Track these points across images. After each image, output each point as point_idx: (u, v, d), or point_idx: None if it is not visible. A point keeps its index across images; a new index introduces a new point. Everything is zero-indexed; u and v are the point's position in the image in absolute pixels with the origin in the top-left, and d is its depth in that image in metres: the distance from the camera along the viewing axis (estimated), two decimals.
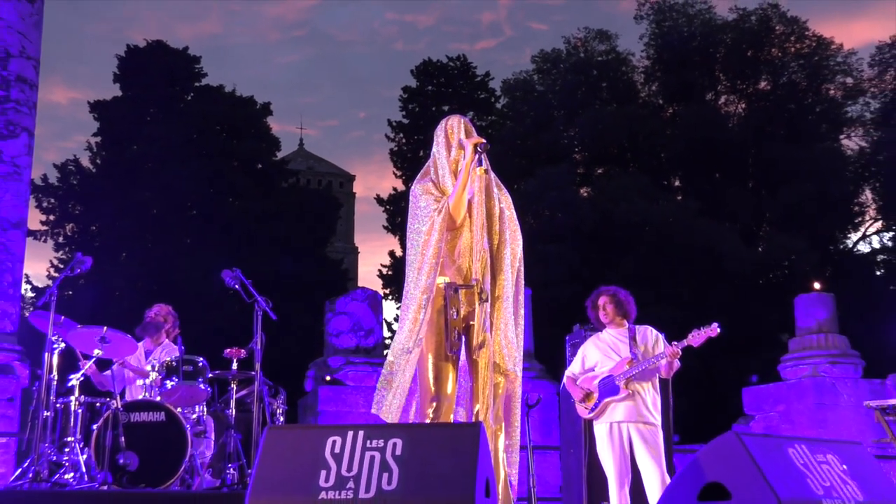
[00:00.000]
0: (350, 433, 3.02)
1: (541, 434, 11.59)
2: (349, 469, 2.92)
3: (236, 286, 7.29)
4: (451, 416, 4.16)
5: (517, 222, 4.44)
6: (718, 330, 6.46)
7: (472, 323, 4.13)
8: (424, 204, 4.30)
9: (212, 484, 7.08)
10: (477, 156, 4.19)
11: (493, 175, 4.40)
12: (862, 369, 13.70)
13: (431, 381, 4.04)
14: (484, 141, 4.21)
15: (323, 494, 2.89)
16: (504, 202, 4.42)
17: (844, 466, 3.44)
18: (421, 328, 4.06)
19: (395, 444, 2.96)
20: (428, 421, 4.01)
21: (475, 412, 4.11)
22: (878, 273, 30.52)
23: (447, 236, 4.21)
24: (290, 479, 2.93)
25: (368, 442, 2.98)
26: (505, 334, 4.18)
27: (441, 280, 4.14)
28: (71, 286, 26.13)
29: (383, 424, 3.18)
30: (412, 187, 4.43)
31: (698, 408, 19.00)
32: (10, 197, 11.61)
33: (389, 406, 4.02)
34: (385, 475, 2.90)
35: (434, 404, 4.00)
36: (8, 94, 11.79)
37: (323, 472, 2.92)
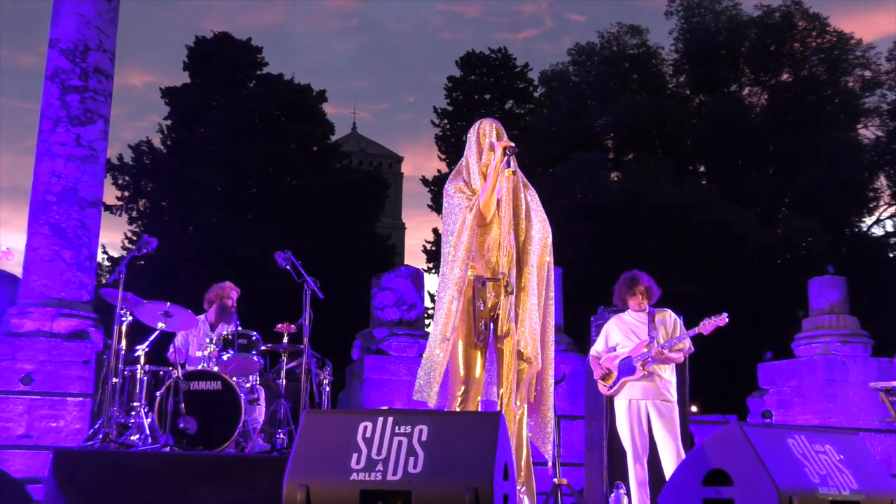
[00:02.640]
0: (380, 419, 3.04)
1: (569, 403, 11.58)
2: (378, 452, 2.94)
3: (287, 267, 7.33)
4: (479, 399, 4.18)
5: (544, 215, 4.41)
6: (727, 319, 6.45)
7: (498, 313, 4.13)
8: (457, 202, 4.30)
9: (263, 447, 7.15)
10: (506, 158, 4.18)
11: (520, 175, 4.38)
12: (871, 348, 13.52)
13: (462, 366, 4.05)
14: (513, 144, 4.20)
15: (354, 476, 2.91)
16: (531, 200, 4.40)
17: (841, 456, 3.40)
18: (454, 318, 4.07)
19: (421, 430, 2.97)
20: (458, 402, 4.02)
21: (500, 395, 4.11)
22: (890, 255, 30.11)
23: (477, 232, 4.20)
24: (324, 460, 2.96)
25: (397, 427, 3.00)
26: (529, 324, 4.17)
27: (470, 273, 4.15)
28: (142, 257, 26.43)
29: (411, 411, 3.20)
30: (445, 186, 4.43)
31: (715, 381, 18.86)
32: (87, 178, 11.76)
33: (430, 391, 4.04)
34: (412, 459, 2.91)
35: (463, 387, 4.01)
36: (86, 83, 11.92)
37: (355, 455, 2.95)
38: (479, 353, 4.13)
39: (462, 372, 4.01)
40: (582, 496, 7.93)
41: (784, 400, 13.28)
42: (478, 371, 4.12)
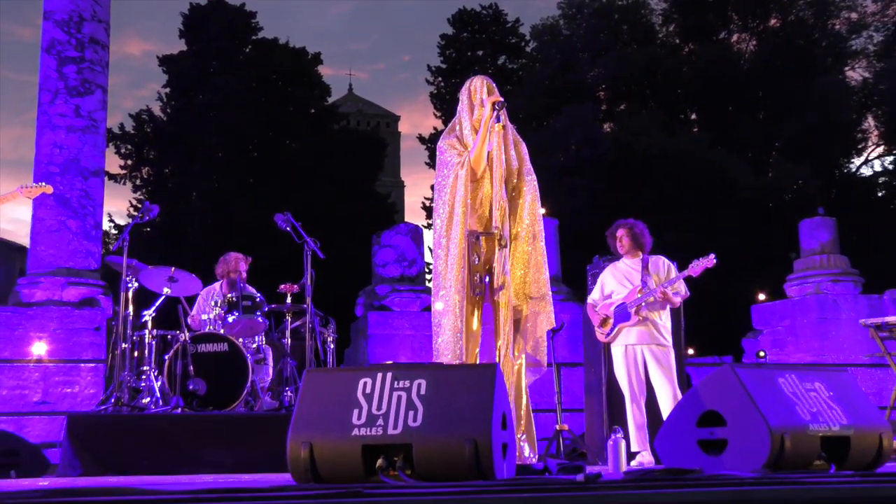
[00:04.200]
0: (379, 374, 3.03)
1: (569, 351, 11.61)
2: (379, 408, 2.94)
3: (287, 228, 7.31)
4: (477, 350, 4.18)
5: (532, 171, 4.38)
6: (715, 261, 6.46)
7: (493, 265, 4.12)
8: (448, 157, 4.28)
9: (271, 405, 7.19)
10: (495, 113, 4.14)
11: (511, 129, 4.34)
12: (861, 286, 13.54)
13: (459, 318, 4.03)
14: (501, 100, 4.15)
15: (356, 431, 2.91)
16: (521, 152, 4.37)
17: (831, 393, 3.41)
18: (450, 272, 4.06)
19: (419, 385, 2.97)
20: (458, 353, 4.02)
21: (497, 346, 4.12)
22: (879, 194, 30.08)
23: (470, 188, 4.18)
24: (326, 416, 2.96)
25: (396, 382, 2.99)
26: (524, 275, 4.16)
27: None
28: (147, 224, 26.45)
29: (409, 364, 3.19)
30: (439, 142, 4.40)
31: (711, 324, 18.94)
32: (88, 148, 11.71)
33: (445, 348, 4.04)
34: (411, 413, 2.91)
35: (461, 339, 4.00)
36: (83, 54, 11.81)
37: (356, 411, 2.94)
38: (475, 307, 4.12)
39: (460, 324, 4.01)
40: (583, 440, 7.98)
41: (778, 339, 13.33)
42: (475, 323, 4.12)
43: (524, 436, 4.07)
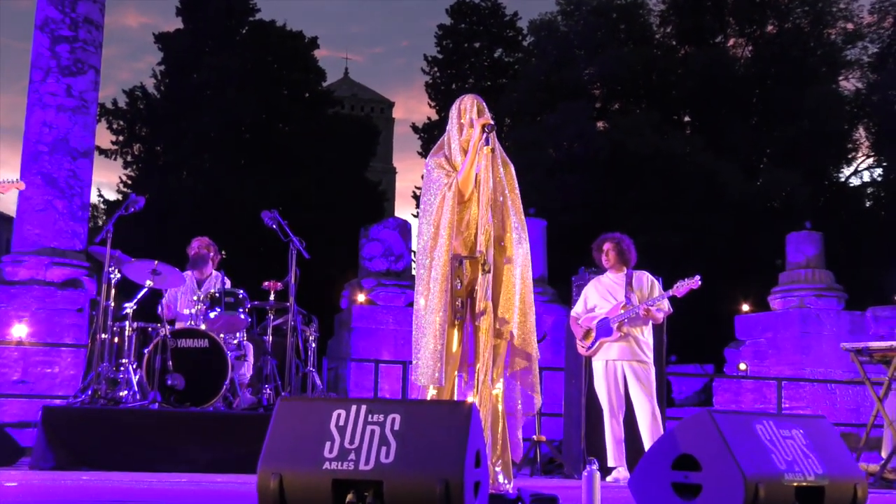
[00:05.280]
0: (354, 407, 2.98)
1: (552, 354, 11.61)
2: (351, 441, 2.89)
3: (274, 226, 7.26)
4: (456, 374, 4.14)
5: (518, 192, 4.33)
6: (700, 282, 6.45)
7: (476, 288, 4.07)
8: (436, 177, 4.22)
9: (251, 402, 7.14)
10: (484, 135, 4.08)
11: (499, 151, 4.29)
12: (844, 302, 13.57)
13: (438, 341, 3.99)
14: (492, 122, 4.10)
15: (327, 465, 2.86)
16: (507, 175, 4.31)
17: (808, 441, 3.38)
18: (433, 296, 4.01)
19: (393, 419, 2.92)
20: (435, 376, 3.96)
21: (476, 369, 4.08)
22: (867, 204, 30.16)
23: (456, 210, 4.12)
24: (298, 448, 2.91)
25: (370, 416, 2.94)
26: (511, 300, 4.12)
27: None
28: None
29: (384, 400, 3.13)
30: (427, 160, 4.34)
31: (694, 331, 18.95)
32: (78, 129, 11.60)
33: (424, 372, 3.99)
34: (384, 448, 2.87)
35: (439, 364, 3.96)
36: (76, 34, 11.69)
37: (328, 443, 2.89)
38: (456, 330, 4.08)
39: (440, 348, 3.96)
40: (560, 451, 7.97)
41: (759, 351, 13.36)
42: (454, 346, 4.08)
43: (499, 461, 4.03)
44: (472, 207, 4.15)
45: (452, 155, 4.27)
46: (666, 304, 6.79)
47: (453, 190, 4.11)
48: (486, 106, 4.33)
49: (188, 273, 7.85)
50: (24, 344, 10.30)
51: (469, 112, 4.27)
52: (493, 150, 4.11)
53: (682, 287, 6.52)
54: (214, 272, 7.95)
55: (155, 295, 7.45)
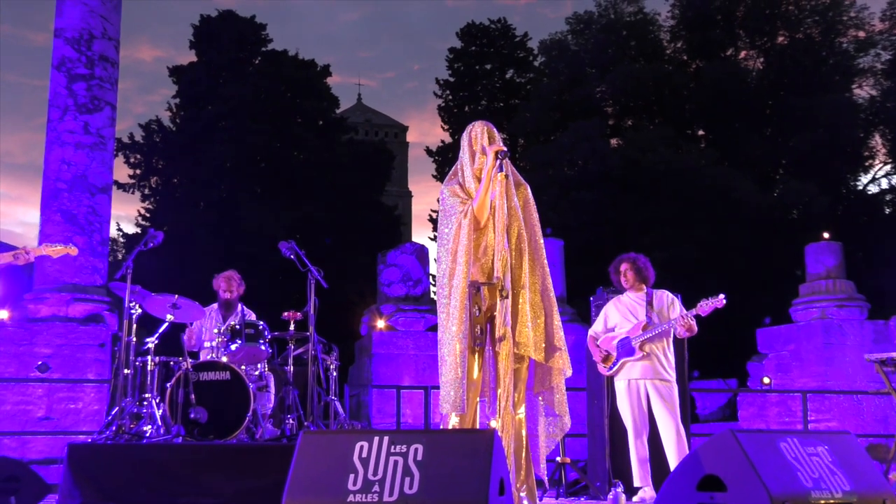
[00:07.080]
0: (376, 438, 2.99)
1: (574, 373, 11.49)
2: (375, 473, 2.90)
3: (291, 256, 7.28)
4: (478, 399, 4.14)
5: (535, 212, 4.34)
6: (724, 301, 6.40)
7: (494, 314, 4.08)
8: (451, 205, 4.24)
9: (273, 433, 7.14)
10: (498, 162, 4.09)
11: (513, 174, 4.31)
12: (867, 311, 13.44)
13: (460, 367, 4.00)
14: (504, 149, 4.11)
15: (351, 497, 2.86)
16: (522, 198, 4.33)
17: (834, 457, 3.35)
18: (451, 321, 4.03)
19: (416, 450, 2.93)
20: (458, 403, 3.97)
21: (498, 395, 4.08)
22: (886, 212, 29.96)
23: (473, 236, 4.14)
24: (322, 481, 2.91)
25: (392, 447, 2.95)
26: (526, 323, 4.12)
27: None
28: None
29: (406, 430, 3.13)
30: (442, 188, 4.36)
31: (716, 346, 18.83)
32: (96, 165, 11.70)
33: (446, 399, 4.00)
34: (407, 479, 2.87)
35: (461, 390, 3.96)
36: (92, 72, 11.82)
37: (352, 476, 2.90)
38: (476, 356, 4.08)
39: (460, 374, 3.97)
40: (584, 473, 7.92)
41: (782, 364, 13.24)
42: (475, 373, 4.08)
43: (524, 486, 4.02)
44: (489, 234, 4.17)
45: (466, 182, 4.29)
46: (693, 323, 6.75)
47: (469, 217, 4.12)
48: (496, 131, 4.35)
49: (214, 306, 7.88)
50: (49, 381, 10.35)
51: (480, 139, 4.29)
52: (507, 177, 4.13)
53: (707, 306, 6.47)
54: (239, 306, 7.98)
55: (176, 328, 7.48)
